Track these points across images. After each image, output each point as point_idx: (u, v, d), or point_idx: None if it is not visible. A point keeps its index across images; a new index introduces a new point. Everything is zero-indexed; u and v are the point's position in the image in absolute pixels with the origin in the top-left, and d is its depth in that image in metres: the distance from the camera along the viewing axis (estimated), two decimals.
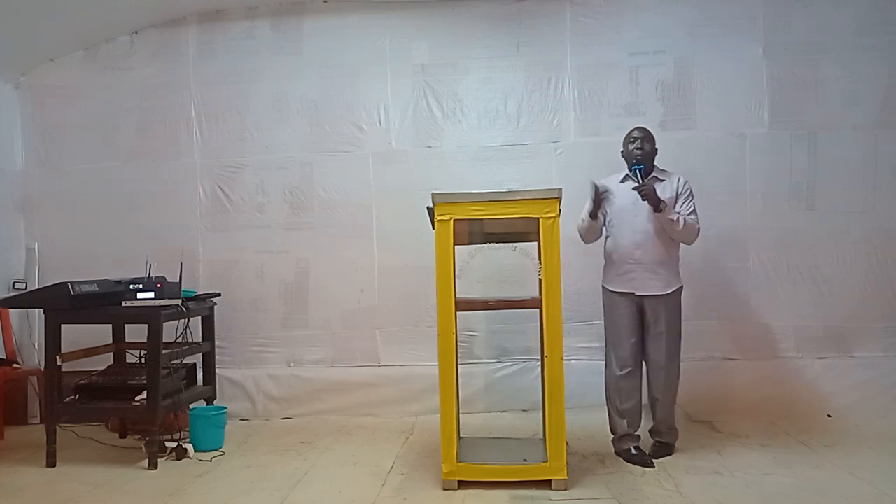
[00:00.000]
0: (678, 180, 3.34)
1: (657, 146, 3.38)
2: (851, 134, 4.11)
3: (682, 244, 3.38)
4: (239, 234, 4.44)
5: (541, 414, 3.34)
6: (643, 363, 3.40)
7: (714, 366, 4.11)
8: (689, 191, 3.34)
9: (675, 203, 3.28)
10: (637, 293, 3.31)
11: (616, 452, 3.39)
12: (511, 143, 4.30)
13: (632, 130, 3.40)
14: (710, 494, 2.82)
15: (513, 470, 2.96)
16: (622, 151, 3.42)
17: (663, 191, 3.26)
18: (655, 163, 3.39)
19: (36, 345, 4.44)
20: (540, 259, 2.94)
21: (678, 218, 3.22)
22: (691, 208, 3.31)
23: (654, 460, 3.26)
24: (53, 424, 3.44)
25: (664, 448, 3.36)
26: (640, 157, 3.28)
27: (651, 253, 3.26)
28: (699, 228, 3.32)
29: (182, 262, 3.78)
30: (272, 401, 4.33)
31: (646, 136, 3.34)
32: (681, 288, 3.38)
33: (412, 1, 4.36)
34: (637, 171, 3.25)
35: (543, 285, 2.95)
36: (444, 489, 2.93)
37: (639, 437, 3.37)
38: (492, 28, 4.33)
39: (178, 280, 3.67)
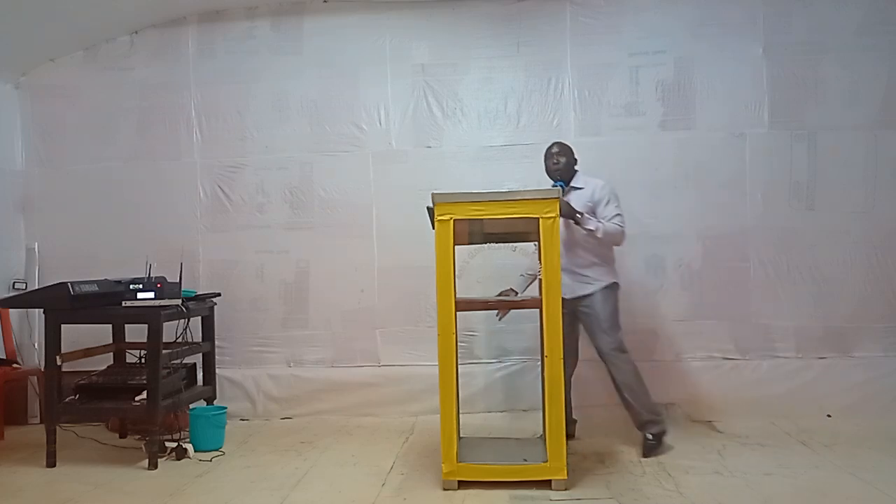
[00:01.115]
0: (598, 186, 3.47)
1: (576, 156, 3.57)
2: (851, 134, 4.11)
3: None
4: (239, 234, 4.44)
5: (541, 414, 3.34)
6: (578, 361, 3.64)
7: (714, 366, 4.11)
8: (608, 195, 3.45)
9: (596, 209, 3.41)
10: (567, 297, 3.35)
11: None
12: (511, 143, 4.29)
13: (550, 146, 3.59)
14: (710, 494, 2.82)
15: (513, 470, 2.96)
16: (545, 167, 3.58)
17: (579, 198, 3.43)
18: (583, 172, 3.56)
19: (36, 345, 4.44)
20: (540, 259, 2.94)
21: (597, 227, 3.35)
22: (613, 212, 3.42)
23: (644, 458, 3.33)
24: (53, 424, 3.44)
25: (656, 442, 3.37)
26: (558, 172, 3.50)
27: (572, 258, 3.42)
28: (623, 230, 3.42)
29: (182, 262, 3.77)
30: (272, 401, 4.33)
31: (562, 151, 3.54)
32: (612, 284, 3.49)
33: (412, 1, 4.36)
34: (559, 187, 3.40)
35: (543, 285, 2.95)
36: (444, 489, 2.93)
37: None
38: (492, 28, 4.33)
39: (178, 280, 3.67)
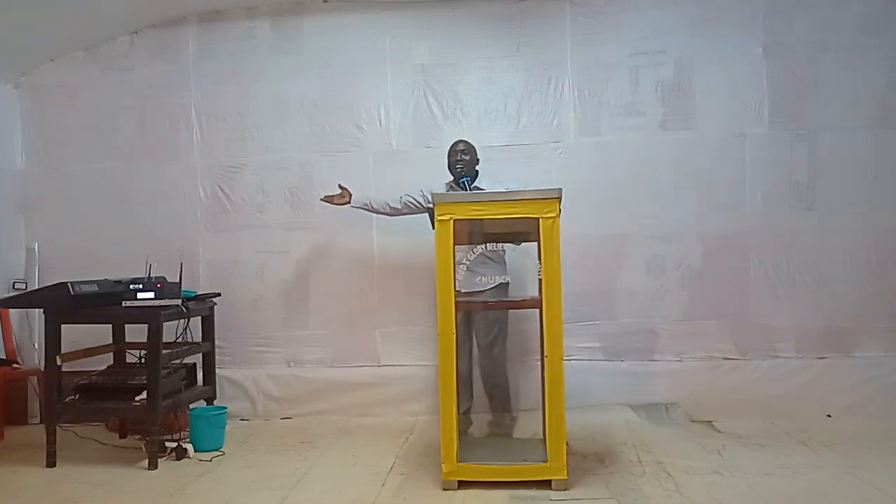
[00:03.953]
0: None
1: (478, 157, 3.78)
2: (851, 134, 4.11)
3: None
4: (239, 234, 4.44)
5: (541, 414, 3.34)
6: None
7: (714, 366, 4.11)
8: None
9: None
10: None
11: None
12: (511, 143, 4.29)
13: (456, 143, 3.78)
14: (710, 494, 2.82)
15: (513, 470, 2.96)
16: (448, 163, 3.77)
17: None
18: (483, 176, 3.75)
19: (36, 345, 4.43)
20: (540, 259, 2.94)
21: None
22: None
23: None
24: (53, 424, 3.44)
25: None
26: (462, 168, 3.67)
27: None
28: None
29: (182, 262, 3.77)
30: (272, 401, 4.33)
31: (467, 150, 3.74)
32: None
33: (412, 1, 4.36)
34: (464, 182, 3.62)
35: (543, 285, 2.95)
36: (444, 489, 2.93)
37: None
38: (492, 28, 4.33)
39: (178, 280, 3.67)
